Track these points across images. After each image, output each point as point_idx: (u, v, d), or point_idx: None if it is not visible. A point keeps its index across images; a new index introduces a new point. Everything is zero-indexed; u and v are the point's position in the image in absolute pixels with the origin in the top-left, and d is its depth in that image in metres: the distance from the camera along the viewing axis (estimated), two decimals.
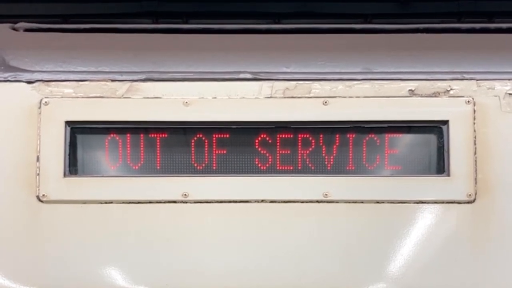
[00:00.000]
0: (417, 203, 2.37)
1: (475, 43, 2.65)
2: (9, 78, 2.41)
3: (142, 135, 2.42)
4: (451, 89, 2.40)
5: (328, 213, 2.37)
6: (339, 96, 2.40)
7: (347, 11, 3.00)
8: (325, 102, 2.39)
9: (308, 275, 2.37)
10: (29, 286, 2.37)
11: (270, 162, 2.42)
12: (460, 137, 2.37)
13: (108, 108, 2.39)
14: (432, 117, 2.38)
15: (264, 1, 3.00)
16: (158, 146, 2.42)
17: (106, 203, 2.38)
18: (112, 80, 2.41)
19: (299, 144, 2.42)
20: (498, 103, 2.39)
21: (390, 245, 2.37)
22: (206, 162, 2.42)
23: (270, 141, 2.42)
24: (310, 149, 2.42)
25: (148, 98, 2.40)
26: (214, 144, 2.42)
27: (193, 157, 2.42)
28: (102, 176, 2.40)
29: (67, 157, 2.38)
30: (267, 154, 2.42)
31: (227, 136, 2.42)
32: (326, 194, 2.37)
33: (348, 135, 2.42)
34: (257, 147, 2.42)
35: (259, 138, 2.42)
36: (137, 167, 2.42)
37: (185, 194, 2.37)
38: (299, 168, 2.42)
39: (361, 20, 2.95)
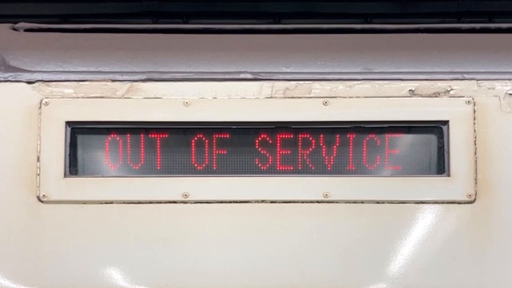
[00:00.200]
0: (417, 203, 2.37)
1: (475, 43, 2.65)
2: (9, 78, 2.41)
3: (142, 135, 2.42)
4: (452, 89, 2.40)
5: (328, 213, 2.37)
6: (339, 96, 2.40)
7: (347, 11, 3.01)
8: (325, 102, 2.39)
9: (308, 275, 2.37)
10: (29, 286, 2.37)
11: (270, 162, 2.42)
12: (460, 137, 2.37)
13: (109, 108, 2.39)
14: (432, 117, 2.38)
15: (264, 1, 3.01)
16: (158, 146, 2.42)
17: (106, 203, 2.38)
18: (113, 80, 2.41)
19: (299, 144, 2.42)
20: (498, 103, 2.39)
21: (390, 245, 2.37)
22: (206, 162, 2.41)
23: (270, 141, 2.42)
24: (310, 149, 2.42)
25: (148, 98, 2.40)
26: (214, 144, 2.42)
27: (193, 157, 2.42)
28: (103, 176, 2.40)
29: (68, 157, 2.38)
30: (267, 154, 2.42)
31: (227, 136, 2.42)
32: (326, 194, 2.37)
33: (348, 135, 2.41)
34: (257, 147, 2.42)
35: (259, 138, 2.42)
36: (137, 167, 2.42)
37: (185, 194, 2.37)
38: (299, 168, 2.42)
39: (361, 20, 2.96)
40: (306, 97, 2.40)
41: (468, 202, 2.36)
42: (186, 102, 2.39)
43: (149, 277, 2.37)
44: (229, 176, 2.40)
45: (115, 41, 2.68)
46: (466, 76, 2.42)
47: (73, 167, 2.40)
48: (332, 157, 2.41)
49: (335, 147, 2.42)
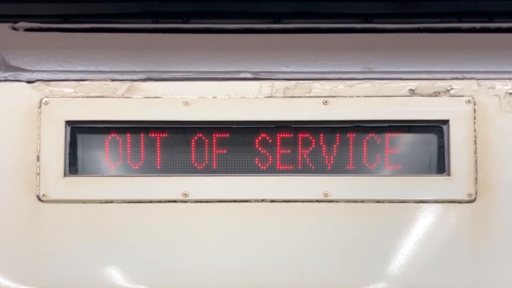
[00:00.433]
0: (418, 202, 2.37)
1: (475, 43, 2.65)
2: (9, 78, 2.41)
3: (142, 135, 2.42)
4: (452, 88, 2.40)
5: (328, 212, 2.37)
6: (339, 96, 2.40)
7: (347, 11, 3.00)
8: (325, 102, 2.39)
9: (308, 274, 2.37)
10: (29, 285, 2.37)
11: (270, 162, 2.42)
12: (461, 137, 2.37)
13: (108, 108, 2.39)
14: (432, 117, 2.38)
15: (264, 1, 3.00)
16: (158, 146, 2.42)
17: (106, 202, 2.38)
18: (112, 80, 2.41)
19: (299, 143, 2.42)
20: (498, 102, 2.39)
21: (390, 245, 2.37)
22: (206, 162, 2.41)
23: (270, 141, 2.42)
24: (310, 148, 2.42)
25: (148, 97, 2.40)
26: (214, 143, 2.42)
27: (193, 156, 2.42)
28: (102, 176, 2.40)
29: (67, 156, 2.38)
30: (267, 154, 2.42)
31: (227, 135, 2.42)
32: (326, 194, 2.36)
33: (348, 135, 2.41)
34: (257, 146, 2.42)
35: (259, 138, 2.42)
36: (137, 167, 2.42)
37: (185, 194, 2.37)
38: (299, 167, 2.42)
39: (361, 20, 2.95)
40: (306, 97, 2.40)
41: (468, 202, 2.36)
42: (186, 102, 2.39)
43: (149, 276, 2.37)
44: (229, 175, 2.40)
45: (115, 41, 2.68)
46: (466, 75, 2.42)
47: (73, 166, 2.40)
48: (332, 157, 2.41)
49: (335, 146, 2.42)
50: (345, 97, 2.40)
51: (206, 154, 2.41)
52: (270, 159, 2.41)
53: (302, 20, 2.99)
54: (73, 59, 2.52)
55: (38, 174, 2.37)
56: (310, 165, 2.41)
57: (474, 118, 2.37)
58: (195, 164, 2.41)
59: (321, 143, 2.41)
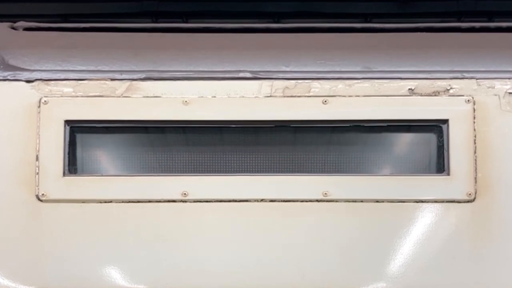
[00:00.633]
0: (417, 202, 2.37)
1: (475, 42, 2.65)
2: (9, 77, 2.41)
3: (141, 134, 2.42)
4: (451, 88, 2.40)
5: (328, 212, 2.37)
6: (339, 95, 2.40)
7: (347, 11, 3.00)
8: (325, 101, 2.39)
9: (308, 274, 2.37)
10: (29, 285, 2.37)
11: (269, 161, 2.42)
12: (460, 136, 2.36)
13: (108, 107, 2.39)
14: (432, 116, 2.38)
15: (264, 0, 3.01)
16: (157, 145, 2.42)
17: (105, 202, 2.38)
18: (112, 79, 2.41)
19: (299, 143, 2.42)
20: (498, 102, 2.38)
21: (390, 244, 2.37)
22: (206, 161, 2.41)
23: (269, 140, 2.42)
24: (310, 148, 2.42)
25: (147, 97, 2.40)
26: (213, 143, 2.41)
27: (192, 156, 2.42)
28: (102, 175, 2.40)
29: (67, 156, 2.38)
30: (267, 153, 2.42)
31: (227, 135, 2.42)
32: (325, 193, 2.36)
33: (347, 134, 2.41)
34: (256, 146, 2.42)
35: (259, 137, 2.42)
36: (136, 166, 2.42)
37: (185, 193, 2.37)
38: (299, 167, 2.42)
39: (361, 20, 2.95)
40: (305, 96, 2.40)
41: (468, 201, 2.36)
42: (186, 101, 2.39)
43: (149, 276, 2.37)
44: (229, 175, 2.40)
45: (114, 40, 2.68)
46: (466, 75, 2.42)
47: (72, 166, 2.40)
48: (331, 156, 2.41)
49: (334, 146, 2.41)
50: (345, 96, 2.39)
51: (206, 153, 2.41)
52: (269, 159, 2.41)
53: (301, 19, 2.98)
54: (73, 58, 2.52)
55: (37, 173, 2.37)
56: (310, 164, 2.41)
57: (474, 118, 2.37)
58: (195, 164, 2.41)
59: (320, 143, 2.41)
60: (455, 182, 2.36)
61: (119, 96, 2.40)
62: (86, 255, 2.38)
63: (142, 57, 2.54)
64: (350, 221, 2.37)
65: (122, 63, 2.51)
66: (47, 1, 2.94)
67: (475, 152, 2.36)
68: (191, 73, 2.44)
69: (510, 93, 2.39)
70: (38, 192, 2.37)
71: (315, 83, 2.40)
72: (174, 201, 2.37)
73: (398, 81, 2.41)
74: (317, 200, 2.37)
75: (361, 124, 2.39)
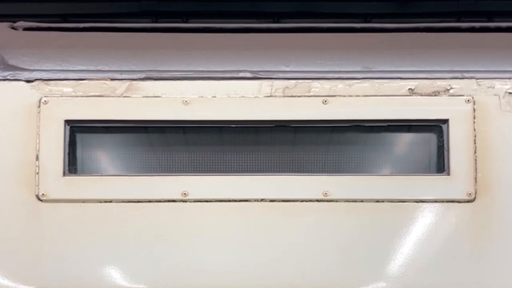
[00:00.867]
0: (417, 202, 2.37)
1: (475, 42, 2.64)
2: (8, 77, 2.41)
3: (141, 134, 2.42)
4: (451, 88, 2.40)
5: (328, 212, 2.37)
6: (339, 95, 2.40)
7: (346, 10, 3.01)
8: (325, 101, 2.39)
9: (308, 274, 2.36)
10: (29, 285, 2.37)
11: (269, 161, 2.42)
12: (460, 136, 2.36)
13: (108, 107, 2.39)
14: (432, 116, 2.38)
15: (263, 0, 3.01)
16: (157, 145, 2.42)
17: (105, 202, 2.37)
18: (112, 79, 2.41)
19: (299, 143, 2.42)
20: (498, 102, 2.38)
21: (390, 244, 2.37)
22: (206, 161, 2.41)
23: (269, 140, 2.42)
24: (310, 148, 2.42)
25: (147, 97, 2.40)
26: (213, 143, 2.41)
27: (192, 156, 2.41)
28: (102, 175, 2.40)
29: (67, 156, 2.38)
30: (267, 153, 2.42)
31: (227, 135, 2.42)
32: (325, 193, 2.36)
33: (347, 134, 2.41)
34: (256, 146, 2.42)
35: (259, 137, 2.42)
36: (136, 166, 2.42)
37: (185, 193, 2.36)
38: (299, 167, 2.42)
39: (361, 20, 2.95)
40: (305, 96, 2.40)
41: (468, 201, 2.36)
42: (186, 101, 2.39)
43: (149, 276, 2.37)
44: (229, 175, 2.40)
45: (114, 40, 2.68)
46: (466, 75, 2.41)
47: (72, 165, 2.39)
48: (331, 156, 2.41)
49: (334, 146, 2.41)
50: (345, 96, 2.39)
51: (206, 153, 2.41)
52: (269, 159, 2.41)
53: (301, 19, 2.99)
54: (72, 58, 2.52)
55: (38, 173, 2.37)
56: (310, 164, 2.41)
57: (474, 118, 2.37)
58: (195, 164, 2.41)
59: (320, 143, 2.41)
60: (455, 182, 2.36)
61: (119, 96, 2.40)
62: (86, 255, 2.37)
63: (142, 57, 2.54)
64: (350, 221, 2.37)
65: (122, 63, 2.51)
66: (47, 1, 2.95)
67: (475, 152, 2.36)
68: (191, 73, 2.43)
69: (510, 93, 2.39)
70: (38, 192, 2.37)
71: (315, 83, 2.40)
72: (174, 201, 2.37)
73: (398, 81, 2.41)
74: (317, 200, 2.37)
75: (361, 124, 2.39)
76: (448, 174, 2.36)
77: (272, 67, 2.48)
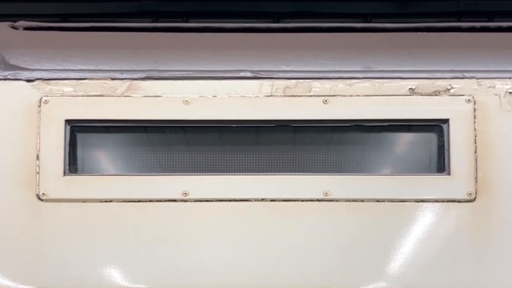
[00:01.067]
0: (418, 202, 2.37)
1: (475, 42, 2.65)
2: (9, 77, 2.41)
3: (142, 134, 2.42)
4: (452, 87, 2.40)
5: (328, 211, 2.37)
6: (340, 95, 2.40)
7: (347, 10, 3.01)
8: (325, 101, 2.39)
9: (308, 273, 2.36)
10: (29, 285, 2.37)
11: (270, 161, 2.42)
12: (461, 136, 2.36)
13: (108, 107, 2.39)
14: (432, 116, 2.38)
15: (263, 0, 3.01)
16: (158, 145, 2.42)
17: (106, 201, 2.37)
18: (112, 79, 2.41)
19: (299, 142, 2.42)
20: (498, 101, 2.39)
21: (390, 244, 2.37)
22: (206, 161, 2.41)
23: (270, 140, 2.42)
24: (310, 147, 2.42)
25: (148, 96, 2.40)
26: (214, 142, 2.41)
27: (193, 155, 2.41)
28: (102, 175, 2.40)
29: (67, 155, 2.38)
30: (267, 153, 2.42)
31: (227, 134, 2.42)
32: (326, 193, 2.36)
33: (348, 134, 2.41)
34: (257, 145, 2.42)
35: (259, 137, 2.42)
36: (137, 166, 2.42)
37: (185, 193, 2.36)
38: (299, 166, 2.42)
39: (361, 20, 2.95)
40: (306, 96, 2.40)
41: (468, 201, 2.36)
42: (186, 101, 2.39)
43: (149, 275, 2.36)
44: (229, 174, 2.39)
45: (114, 40, 2.68)
46: (466, 74, 2.41)
47: (72, 165, 2.39)
48: (332, 156, 2.41)
49: (335, 145, 2.41)
50: (345, 96, 2.39)
51: (206, 153, 2.41)
52: (270, 158, 2.41)
53: (301, 19, 2.99)
54: (73, 58, 2.52)
55: (38, 173, 2.37)
56: (310, 164, 2.41)
57: (474, 117, 2.37)
58: (195, 163, 2.41)
59: (321, 142, 2.41)
60: (456, 181, 2.36)
61: (120, 96, 2.40)
62: (86, 254, 2.37)
63: (142, 57, 2.54)
64: (350, 220, 2.37)
65: (123, 62, 2.51)
66: (47, 1, 2.95)
67: (475, 152, 2.36)
68: (192, 73, 2.43)
69: (510, 92, 2.39)
70: (38, 192, 2.36)
71: (316, 83, 2.40)
72: (174, 200, 2.37)
73: (399, 80, 2.41)
74: (318, 200, 2.37)
75: (362, 123, 2.39)
76: (449, 174, 2.36)
77: (273, 66, 2.48)
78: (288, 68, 2.48)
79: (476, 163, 2.36)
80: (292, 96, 2.40)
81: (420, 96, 2.39)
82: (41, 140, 2.37)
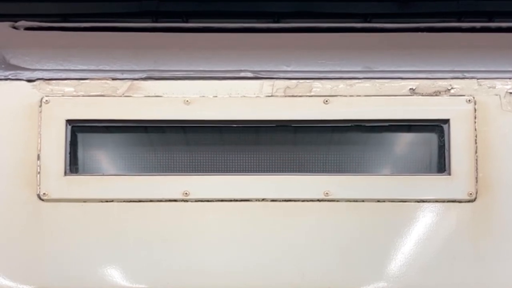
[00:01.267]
0: (418, 202, 2.37)
1: (475, 42, 2.65)
2: (10, 77, 2.41)
3: (143, 134, 2.42)
4: (452, 88, 2.40)
5: (329, 211, 2.37)
6: (340, 95, 2.40)
7: (347, 10, 3.01)
8: (326, 101, 2.39)
9: (309, 274, 2.37)
10: (29, 285, 2.37)
11: (270, 161, 2.42)
12: (461, 136, 2.37)
13: (109, 107, 2.39)
14: (433, 116, 2.38)
15: (263, 0, 3.01)
16: (158, 145, 2.42)
17: (106, 201, 2.37)
18: (113, 79, 2.41)
19: (300, 142, 2.42)
20: (498, 102, 2.39)
21: (390, 244, 2.37)
22: (207, 161, 2.41)
23: (271, 140, 2.42)
24: (311, 147, 2.42)
25: (149, 96, 2.40)
26: (215, 142, 2.41)
27: (193, 155, 2.42)
28: (103, 175, 2.40)
29: (68, 155, 2.38)
30: (268, 153, 2.42)
31: (228, 134, 2.42)
32: (327, 193, 2.36)
33: (349, 134, 2.41)
34: (258, 145, 2.42)
35: (260, 137, 2.42)
36: (137, 166, 2.42)
37: (186, 193, 2.36)
38: (300, 166, 2.42)
39: (361, 20, 2.96)
40: (306, 96, 2.40)
41: (469, 201, 2.36)
42: (187, 101, 2.39)
43: (149, 276, 2.37)
44: (230, 174, 2.40)
45: (115, 40, 2.68)
46: (467, 75, 2.42)
47: (73, 165, 2.39)
48: (332, 156, 2.42)
49: (335, 145, 2.42)
50: (346, 96, 2.40)
51: (207, 153, 2.41)
52: (270, 158, 2.41)
53: (301, 19, 2.99)
54: (74, 58, 2.51)
55: (39, 173, 2.37)
56: (311, 164, 2.41)
57: (475, 118, 2.38)
58: (196, 163, 2.41)
59: (321, 142, 2.41)
60: (456, 182, 2.36)
61: (121, 96, 2.40)
62: (86, 254, 2.37)
63: (143, 57, 2.54)
64: (351, 220, 2.37)
65: (123, 62, 2.51)
66: (48, 1, 2.95)
67: (476, 152, 2.36)
68: (192, 73, 2.43)
69: (511, 93, 2.39)
70: (39, 192, 2.36)
71: (316, 83, 2.40)
72: (175, 200, 2.37)
73: (399, 81, 2.41)
74: (318, 200, 2.37)
75: (362, 124, 2.39)
76: (449, 174, 2.36)
77: (273, 67, 2.48)
78: (289, 68, 2.49)
79: (476, 163, 2.36)
80: (293, 96, 2.40)
81: (420, 96, 2.39)
82: (42, 140, 2.37)
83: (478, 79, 2.41)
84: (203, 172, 2.41)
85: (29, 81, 2.40)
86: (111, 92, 2.40)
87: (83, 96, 2.40)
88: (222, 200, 2.37)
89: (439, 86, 2.40)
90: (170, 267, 2.37)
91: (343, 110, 2.38)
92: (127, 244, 2.38)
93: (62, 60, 2.50)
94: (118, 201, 2.37)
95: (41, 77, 2.41)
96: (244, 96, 2.40)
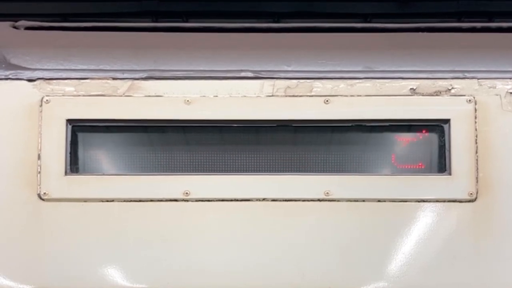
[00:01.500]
0: (419, 201, 2.37)
1: (476, 42, 2.65)
2: (10, 76, 2.41)
3: (143, 134, 2.42)
4: (453, 88, 2.40)
5: (329, 211, 2.37)
6: (341, 95, 2.40)
7: (347, 10, 3.00)
8: (327, 101, 2.39)
9: (309, 273, 2.37)
10: (30, 284, 2.37)
11: (271, 161, 2.42)
12: (461, 136, 2.37)
13: (109, 106, 2.39)
14: (433, 116, 2.39)
15: (263, 0, 3.01)
16: (159, 145, 2.42)
17: (107, 201, 2.38)
18: (114, 78, 2.41)
19: (300, 142, 2.42)
20: (499, 102, 2.39)
21: (391, 244, 2.37)
22: (207, 161, 2.41)
23: (271, 140, 2.42)
24: (311, 147, 2.42)
25: (149, 96, 2.40)
26: (215, 142, 2.41)
27: (194, 155, 2.41)
28: (103, 174, 2.40)
29: (68, 155, 2.38)
30: (269, 153, 2.42)
31: (229, 134, 2.42)
32: (327, 193, 2.36)
33: (349, 134, 2.41)
34: (258, 145, 2.42)
35: (261, 137, 2.42)
36: (138, 166, 2.42)
37: (187, 193, 2.37)
38: (301, 166, 2.42)
39: (361, 20, 2.95)
40: (307, 96, 2.40)
41: (469, 201, 2.36)
42: (187, 100, 2.39)
43: (150, 275, 2.37)
44: (230, 174, 2.40)
45: (115, 40, 2.68)
46: (467, 75, 2.42)
47: (74, 165, 2.40)
48: (333, 156, 2.42)
49: (336, 145, 2.42)
50: (346, 96, 2.40)
51: (207, 153, 2.41)
52: (271, 158, 2.41)
53: (301, 19, 2.99)
54: (74, 57, 2.52)
55: (39, 172, 2.37)
56: (311, 164, 2.41)
57: (475, 118, 2.38)
58: (196, 163, 2.41)
59: (322, 142, 2.41)
60: (457, 181, 2.36)
61: (121, 96, 2.40)
62: (87, 254, 2.38)
63: (143, 57, 2.54)
64: (351, 220, 2.38)
65: (124, 62, 2.51)
66: (48, 1, 2.94)
67: (476, 152, 2.37)
68: (193, 73, 2.44)
69: (511, 93, 2.39)
70: (40, 191, 2.37)
71: (317, 83, 2.41)
72: (175, 200, 2.37)
73: (400, 81, 2.41)
74: (319, 200, 2.37)
75: (363, 123, 2.40)
76: (450, 174, 2.37)
77: (274, 67, 2.48)
78: (289, 68, 2.49)
79: (477, 163, 2.36)
80: (293, 96, 2.40)
81: (421, 96, 2.40)
82: (43, 140, 2.37)
83: (478, 79, 2.41)
84: (203, 172, 2.41)
85: (30, 80, 2.40)
86: (112, 92, 2.40)
87: (84, 95, 2.40)
88: (222, 200, 2.37)
89: (440, 86, 2.40)
90: (170, 267, 2.37)
91: (344, 110, 2.39)
92: (127, 244, 2.38)
93: (63, 59, 2.51)
94: (118, 201, 2.38)
95: (41, 76, 2.41)
96: (245, 96, 2.40)
